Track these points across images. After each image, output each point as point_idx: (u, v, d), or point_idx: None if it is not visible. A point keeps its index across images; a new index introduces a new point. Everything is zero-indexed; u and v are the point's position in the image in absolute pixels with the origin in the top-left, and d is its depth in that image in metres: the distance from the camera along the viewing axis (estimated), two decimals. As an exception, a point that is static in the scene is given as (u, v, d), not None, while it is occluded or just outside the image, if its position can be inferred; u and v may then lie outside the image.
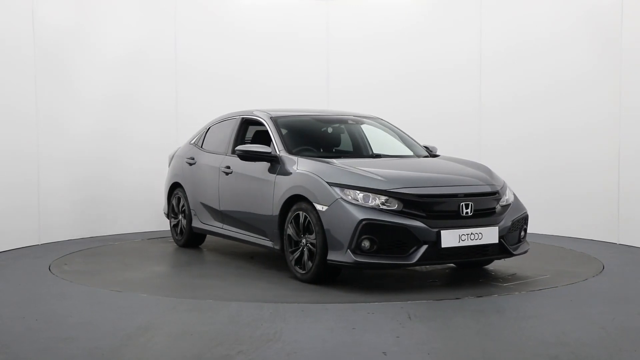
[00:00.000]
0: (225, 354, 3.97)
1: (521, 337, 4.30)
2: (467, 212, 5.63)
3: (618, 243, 8.04)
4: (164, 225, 9.45)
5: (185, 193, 7.87)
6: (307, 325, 4.55)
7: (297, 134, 6.97)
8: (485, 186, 5.95)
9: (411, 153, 7.07)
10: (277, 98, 9.60)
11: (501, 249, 5.82)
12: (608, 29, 8.17)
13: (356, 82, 10.02)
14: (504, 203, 6.00)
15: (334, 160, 6.17)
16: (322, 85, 10.12)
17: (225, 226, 7.19)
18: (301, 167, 6.09)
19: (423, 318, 4.75)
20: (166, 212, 8.35)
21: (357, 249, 5.46)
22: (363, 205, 5.53)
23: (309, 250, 5.83)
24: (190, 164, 7.83)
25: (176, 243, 8.13)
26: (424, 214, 5.52)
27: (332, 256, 5.59)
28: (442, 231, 5.47)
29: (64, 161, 8.46)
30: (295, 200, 5.99)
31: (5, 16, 7.72)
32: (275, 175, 6.31)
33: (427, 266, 6.51)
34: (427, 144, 7.33)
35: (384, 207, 5.52)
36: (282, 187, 6.15)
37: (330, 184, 5.70)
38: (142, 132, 9.29)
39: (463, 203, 5.63)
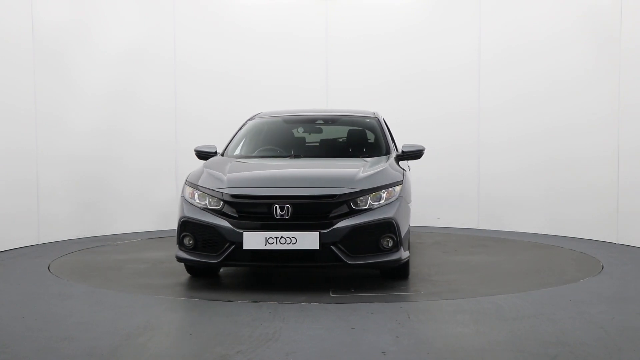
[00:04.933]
0: (224, 353, 3.96)
1: (521, 337, 4.29)
2: (282, 215, 5.42)
3: (617, 243, 8.04)
4: (164, 224, 9.45)
5: None
6: (306, 325, 4.55)
7: (260, 135, 7.13)
8: (320, 189, 5.57)
9: (367, 154, 6.69)
10: (276, 98, 9.60)
11: (333, 257, 5.42)
12: (607, 29, 8.17)
13: (355, 83, 10.01)
14: (361, 207, 5.49)
15: (230, 160, 6.34)
16: (321, 85, 10.11)
17: None
18: None
19: (423, 318, 4.76)
20: None
21: (182, 246, 5.75)
22: (195, 204, 5.71)
23: None
24: None
25: None
26: (236, 215, 5.52)
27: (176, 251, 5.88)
28: (245, 233, 5.40)
29: (63, 160, 8.46)
30: None
31: (4, 13, 7.72)
32: None
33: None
34: (412, 143, 6.77)
35: (211, 206, 5.62)
36: None
37: (187, 183, 5.97)
38: (142, 131, 9.30)
39: (277, 205, 5.44)
